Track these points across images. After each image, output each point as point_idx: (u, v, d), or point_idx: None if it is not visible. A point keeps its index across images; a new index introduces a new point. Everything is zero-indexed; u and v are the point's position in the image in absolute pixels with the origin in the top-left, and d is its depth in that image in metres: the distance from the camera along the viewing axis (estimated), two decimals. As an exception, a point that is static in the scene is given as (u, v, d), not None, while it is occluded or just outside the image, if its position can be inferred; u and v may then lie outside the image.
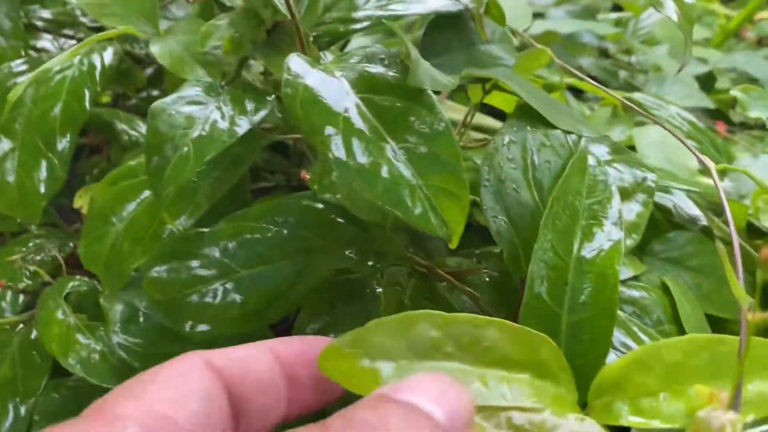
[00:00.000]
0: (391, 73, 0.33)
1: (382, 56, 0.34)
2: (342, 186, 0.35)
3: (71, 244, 0.52)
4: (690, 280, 0.39)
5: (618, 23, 0.99)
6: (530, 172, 0.34)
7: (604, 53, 0.96)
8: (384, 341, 0.23)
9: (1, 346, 0.45)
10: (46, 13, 0.63)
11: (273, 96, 0.39)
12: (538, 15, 0.93)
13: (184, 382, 0.21)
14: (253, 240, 0.36)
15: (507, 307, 0.34)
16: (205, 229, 0.36)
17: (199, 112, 0.37)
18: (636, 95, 0.60)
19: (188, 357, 0.22)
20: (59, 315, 0.43)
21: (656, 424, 0.23)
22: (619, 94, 0.59)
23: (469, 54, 0.41)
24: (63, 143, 0.45)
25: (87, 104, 0.45)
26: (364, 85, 0.33)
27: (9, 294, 0.49)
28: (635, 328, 0.31)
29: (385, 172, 0.31)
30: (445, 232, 0.31)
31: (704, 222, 0.49)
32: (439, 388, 0.20)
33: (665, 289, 0.35)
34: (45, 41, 0.63)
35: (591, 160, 0.32)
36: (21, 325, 0.46)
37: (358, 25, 0.41)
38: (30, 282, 0.50)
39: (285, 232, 0.36)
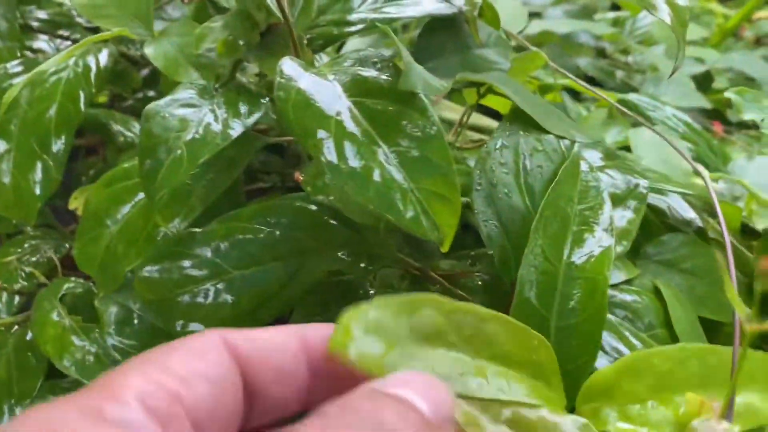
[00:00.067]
0: (383, 77, 0.34)
1: (375, 60, 0.34)
2: (335, 188, 0.35)
3: (67, 245, 0.52)
4: (683, 282, 0.39)
5: (615, 23, 0.99)
6: (522, 177, 0.34)
7: (601, 53, 0.96)
8: (387, 321, 0.23)
9: (-3, 347, 0.45)
10: (42, 14, 0.63)
11: (267, 98, 0.39)
12: (535, 15, 0.93)
13: (199, 361, 0.20)
14: (246, 241, 0.36)
15: (499, 310, 0.34)
16: (197, 229, 0.36)
17: (192, 114, 0.37)
18: (631, 96, 0.60)
19: (208, 334, 0.22)
20: (54, 317, 0.43)
21: (644, 431, 0.23)
22: (613, 97, 0.59)
23: (464, 58, 0.41)
24: (58, 145, 0.45)
25: (82, 105, 0.45)
26: (357, 88, 0.33)
27: (4, 295, 0.49)
28: (627, 333, 0.31)
29: (377, 175, 0.31)
30: (437, 236, 0.31)
31: (699, 224, 0.49)
32: (426, 385, 0.21)
33: (658, 292, 0.35)
34: (41, 42, 0.63)
35: (583, 166, 0.32)
36: (16, 327, 0.46)
37: (352, 28, 0.41)
38: (25, 283, 0.50)
39: (277, 233, 0.36)
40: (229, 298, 0.34)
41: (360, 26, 0.40)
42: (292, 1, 0.40)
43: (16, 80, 0.50)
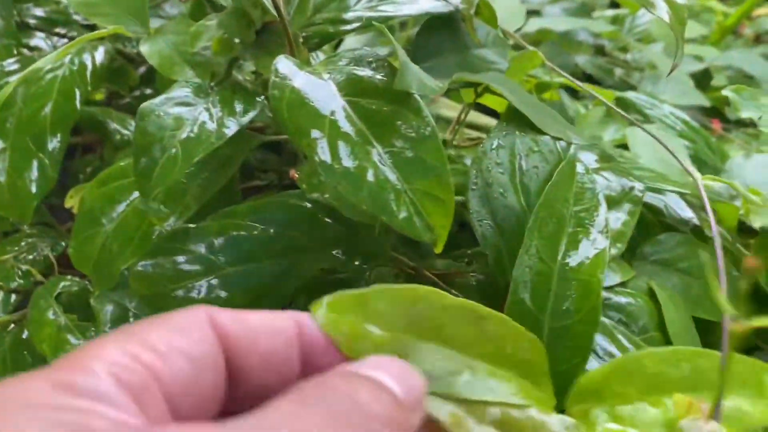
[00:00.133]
0: (378, 77, 0.33)
1: (370, 59, 0.34)
2: (330, 186, 0.35)
3: (63, 244, 0.52)
4: (680, 282, 0.39)
5: (614, 20, 0.99)
6: (518, 177, 0.34)
7: (600, 51, 0.96)
8: (386, 309, 0.23)
9: (-7, 345, 0.45)
10: (39, 12, 0.63)
11: (263, 97, 0.39)
12: (533, 12, 0.93)
13: (180, 337, 0.20)
14: (240, 237, 0.36)
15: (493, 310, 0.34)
16: (192, 225, 0.36)
17: (187, 113, 0.37)
18: (629, 94, 0.60)
19: (195, 310, 0.21)
20: (50, 315, 0.43)
21: None
22: (610, 95, 0.59)
23: (462, 57, 0.41)
24: (54, 143, 0.45)
25: (78, 103, 0.45)
26: (352, 87, 0.33)
27: (1, 294, 0.49)
28: (620, 336, 0.31)
29: (370, 176, 0.31)
30: (431, 237, 0.31)
31: (696, 222, 0.49)
32: (399, 369, 0.21)
33: (652, 294, 0.35)
34: (38, 39, 0.62)
35: (579, 168, 0.32)
36: (12, 325, 0.46)
37: (348, 26, 0.40)
38: (22, 281, 0.50)
39: (272, 230, 0.36)
40: (222, 294, 0.34)
41: (356, 24, 0.40)
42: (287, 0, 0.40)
43: (13, 78, 0.50)
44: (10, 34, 0.55)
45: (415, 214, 0.30)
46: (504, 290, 0.31)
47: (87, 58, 0.47)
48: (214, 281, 0.34)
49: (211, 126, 0.36)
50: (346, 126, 0.32)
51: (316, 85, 0.33)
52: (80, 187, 0.50)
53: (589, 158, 0.36)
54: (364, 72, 0.34)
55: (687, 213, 0.48)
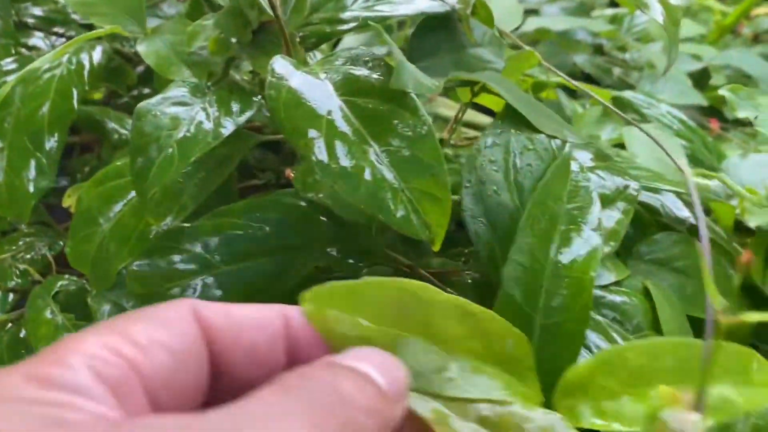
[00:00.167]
0: (375, 76, 0.34)
1: (367, 58, 0.34)
2: (325, 186, 0.35)
3: (61, 243, 0.52)
4: (675, 281, 0.39)
5: (613, 20, 0.99)
6: (512, 175, 0.34)
7: (598, 50, 0.96)
8: (374, 302, 0.23)
9: (-9, 344, 0.45)
10: (37, 11, 0.63)
11: (260, 96, 0.39)
12: (532, 12, 0.93)
13: (162, 330, 0.20)
14: (235, 236, 0.36)
15: (488, 308, 0.34)
16: (187, 224, 0.36)
17: (184, 113, 0.37)
18: (626, 93, 0.60)
19: (179, 304, 0.21)
20: (47, 314, 0.43)
21: (616, 427, 0.23)
22: (607, 95, 0.59)
23: (458, 57, 0.41)
24: (51, 142, 0.45)
25: (75, 103, 0.45)
26: (349, 87, 0.33)
27: (-1, 293, 0.49)
28: (614, 334, 0.31)
29: (368, 175, 0.31)
30: (428, 235, 0.31)
31: (693, 222, 0.49)
32: (383, 361, 0.21)
33: (647, 293, 0.35)
34: (36, 39, 0.62)
35: (574, 166, 0.32)
36: (10, 324, 0.46)
37: (345, 26, 0.41)
38: (20, 281, 0.50)
39: (267, 228, 0.36)
40: (218, 292, 0.34)
41: (353, 24, 0.40)
42: (284, -1, 0.40)
43: (11, 78, 0.50)
44: (8, 33, 0.55)
45: (412, 213, 0.31)
46: (498, 288, 0.32)
47: (85, 58, 0.47)
48: (209, 280, 0.35)
49: (208, 126, 0.36)
50: (342, 125, 0.32)
51: (313, 85, 0.33)
52: (78, 187, 0.50)
53: (584, 156, 0.36)
54: (361, 71, 0.34)
55: (683, 212, 0.48)
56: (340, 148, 0.31)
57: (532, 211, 0.30)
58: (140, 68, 0.61)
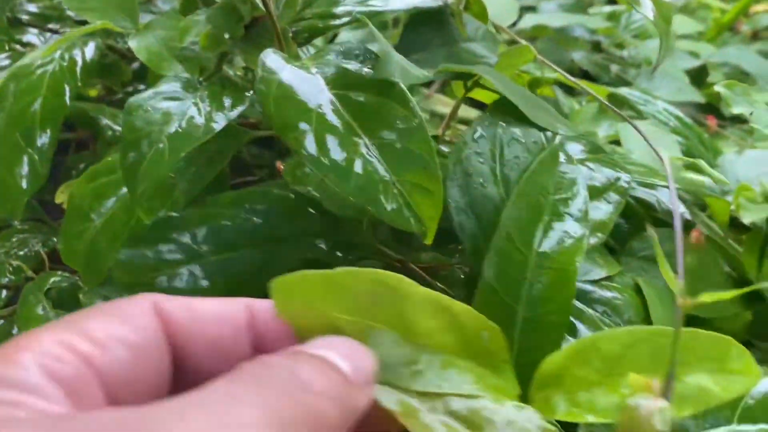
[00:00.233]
0: (366, 69, 0.33)
1: (357, 52, 0.34)
2: (315, 179, 0.35)
3: (55, 240, 0.52)
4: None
5: (611, 17, 0.99)
6: (498, 167, 0.34)
7: (596, 47, 0.95)
8: (345, 293, 0.22)
9: (-17, 341, 0.45)
10: (32, 8, 0.62)
11: (252, 91, 0.39)
12: (529, 8, 0.93)
13: (120, 325, 0.20)
14: (223, 227, 0.36)
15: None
16: (175, 214, 0.36)
17: (175, 107, 0.37)
18: (622, 90, 0.59)
19: (140, 298, 0.21)
20: (39, 311, 0.43)
21: (590, 418, 0.23)
22: (604, 91, 0.58)
23: (450, 51, 0.41)
24: (43, 138, 0.45)
25: (67, 99, 0.45)
26: (340, 81, 0.33)
27: (-8, 289, 0.49)
28: (606, 329, 0.30)
29: (358, 168, 0.31)
30: (420, 228, 0.31)
31: (688, 217, 0.48)
32: (348, 348, 0.21)
33: (639, 290, 0.35)
34: (31, 35, 0.62)
35: (561, 157, 0.32)
36: (2, 321, 0.46)
37: (337, 21, 0.40)
38: (13, 277, 0.50)
39: (254, 220, 0.36)
40: (205, 283, 0.34)
41: (345, 19, 0.40)
42: (276, -6, 0.40)
43: (4, 74, 0.50)
44: (2, 30, 0.55)
45: (404, 206, 0.30)
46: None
47: (77, 54, 0.47)
48: (197, 270, 0.34)
49: (199, 120, 0.36)
50: (333, 119, 0.32)
51: (304, 79, 0.33)
52: (71, 183, 0.50)
53: (575, 149, 0.36)
54: (353, 65, 0.34)
55: (679, 208, 0.48)
56: (330, 141, 0.31)
57: (517, 201, 0.30)
58: (135, 65, 0.61)
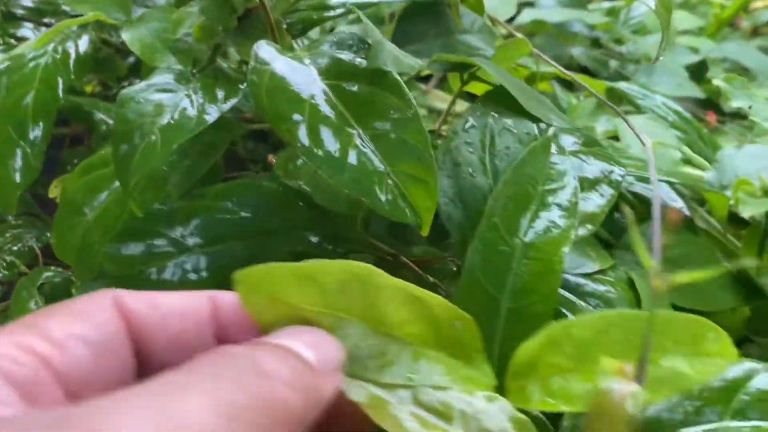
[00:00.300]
0: (359, 59, 0.33)
1: (351, 42, 0.34)
2: (307, 173, 0.34)
3: (49, 235, 0.52)
4: (663, 271, 0.38)
5: (610, 12, 0.99)
6: (488, 157, 0.33)
7: (595, 43, 0.95)
8: (312, 284, 0.22)
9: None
10: (27, 2, 0.62)
11: (245, 84, 0.38)
12: (527, 4, 0.92)
13: (79, 323, 0.19)
14: (212, 219, 0.36)
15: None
16: (163, 206, 0.35)
17: (168, 99, 0.36)
18: (621, 84, 0.59)
19: (100, 295, 0.21)
20: (32, 306, 0.43)
21: (564, 407, 0.22)
22: (603, 86, 0.58)
23: (446, 42, 0.41)
24: (36, 132, 0.44)
25: (60, 92, 0.45)
26: (333, 71, 0.33)
27: (-15, 284, 0.49)
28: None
29: (352, 159, 0.31)
30: (415, 220, 0.31)
31: (687, 213, 0.48)
32: (313, 337, 0.21)
33: (632, 284, 0.35)
34: (26, 30, 0.62)
35: (553, 148, 0.31)
36: (-5, 316, 0.46)
37: (331, 12, 0.40)
38: (6, 272, 0.49)
39: (243, 212, 0.35)
40: (193, 276, 0.34)
41: (340, 11, 0.40)
42: (270, -15, 0.39)
43: (-1, 68, 0.50)
44: (-4, 23, 0.55)
45: (399, 197, 0.30)
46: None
47: (70, 47, 0.46)
48: (185, 263, 0.34)
49: (192, 112, 0.36)
50: (326, 109, 0.31)
51: (296, 70, 0.33)
52: (64, 178, 0.50)
53: (569, 141, 0.35)
54: (346, 55, 0.33)
55: (677, 203, 0.48)
56: (324, 132, 0.31)
57: (503, 190, 0.29)
58: (130, 59, 0.61)
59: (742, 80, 0.47)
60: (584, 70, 0.85)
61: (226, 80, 0.38)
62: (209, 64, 0.40)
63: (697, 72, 0.88)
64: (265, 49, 0.34)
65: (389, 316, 0.22)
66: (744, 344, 0.46)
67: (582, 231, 0.31)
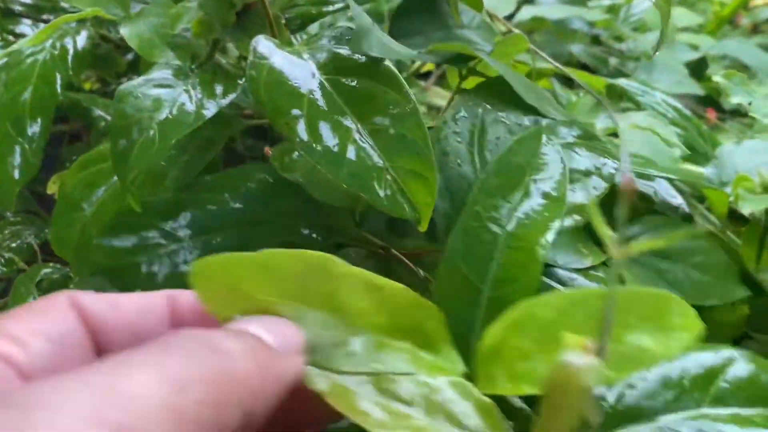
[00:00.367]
0: (357, 54, 0.33)
1: (350, 37, 0.34)
2: (303, 166, 0.34)
3: (47, 231, 0.51)
4: (660, 267, 0.38)
5: (610, 10, 0.98)
6: (476, 147, 0.33)
7: (595, 40, 0.95)
8: (271, 275, 0.22)
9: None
10: (25, -2, 0.62)
11: (244, 79, 0.38)
12: (527, 0, 0.92)
13: (38, 320, 0.20)
14: (203, 210, 0.35)
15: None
16: (153, 198, 0.35)
17: (166, 94, 0.36)
18: (620, 81, 0.59)
19: (56, 296, 0.21)
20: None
21: (528, 390, 0.22)
22: (600, 83, 0.58)
23: (444, 37, 0.41)
24: (34, 128, 0.44)
25: (58, 88, 0.45)
26: (331, 66, 0.33)
27: (-16, 281, 0.49)
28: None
29: (351, 154, 0.30)
30: (414, 215, 0.31)
31: (686, 209, 0.48)
32: (273, 322, 0.21)
33: (624, 281, 0.34)
34: (24, 26, 0.62)
35: (543, 139, 0.31)
36: (-6, 312, 0.46)
37: (330, 7, 0.40)
38: (5, 269, 0.49)
39: (234, 203, 0.35)
40: (185, 267, 0.34)
41: (338, 5, 0.40)
42: (268, -20, 0.39)
43: (-4, 64, 0.50)
44: (-6, 20, 0.55)
45: (397, 192, 0.30)
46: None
47: (69, 43, 0.46)
48: (177, 253, 0.34)
49: (190, 107, 0.36)
50: (324, 104, 0.31)
51: (295, 64, 0.33)
52: (62, 174, 0.49)
53: (565, 133, 0.35)
54: (344, 50, 0.33)
55: (677, 199, 0.47)
56: (322, 127, 0.31)
57: (488, 179, 0.29)
58: (129, 56, 0.61)
59: (741, 77, 0.47)
60: (584, 67, 0.85)
61: (224, 75, 0.38)
62: (208, 59, 0.40)
63: (697, 69, 0.88)
64: (263, 44, 0.34)
65: (350, 306, 0.22)
66: (743, 341, 0.46)
67: (569, 222, 0.31)
